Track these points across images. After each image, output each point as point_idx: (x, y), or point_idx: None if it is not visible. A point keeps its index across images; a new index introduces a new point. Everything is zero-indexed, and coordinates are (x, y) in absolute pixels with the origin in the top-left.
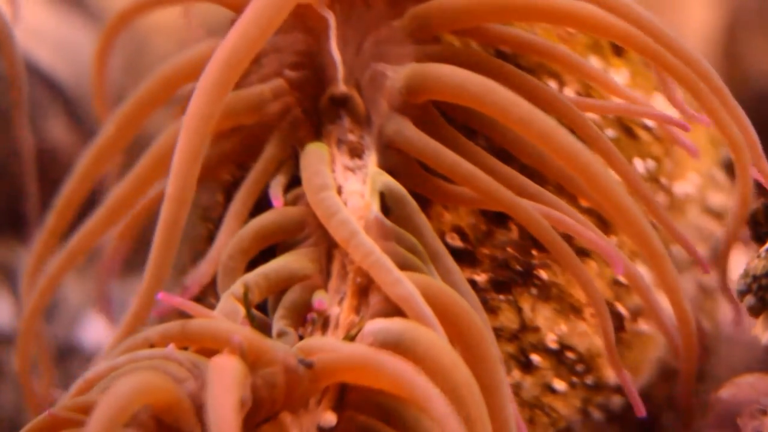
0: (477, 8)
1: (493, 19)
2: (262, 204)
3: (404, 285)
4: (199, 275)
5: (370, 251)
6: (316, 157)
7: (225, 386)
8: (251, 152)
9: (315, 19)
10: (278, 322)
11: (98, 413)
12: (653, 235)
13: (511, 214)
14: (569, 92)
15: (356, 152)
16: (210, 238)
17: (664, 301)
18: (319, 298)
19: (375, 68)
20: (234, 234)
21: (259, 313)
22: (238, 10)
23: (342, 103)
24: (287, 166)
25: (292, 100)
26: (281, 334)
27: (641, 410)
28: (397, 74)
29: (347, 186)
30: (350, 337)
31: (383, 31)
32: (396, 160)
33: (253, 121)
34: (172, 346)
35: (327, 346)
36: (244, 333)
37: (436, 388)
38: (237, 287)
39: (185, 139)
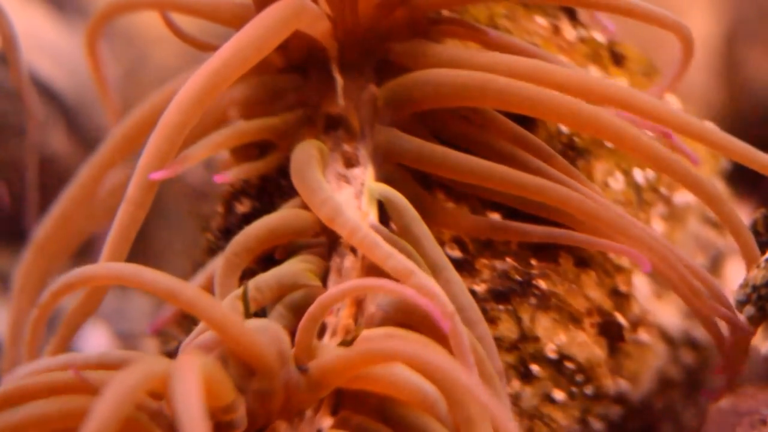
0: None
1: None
2: (265, 208)
3: (396, 258)
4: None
5: (357, 228)
6: (307, 157)
7: (188, 378)
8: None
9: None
10: (275, 322)
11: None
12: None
13: (530, 194)
14: None
15: (351, 162)
16: (209, 249)
17: (671, 305)
18: None
19: (371, 89)
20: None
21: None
22: (237, 26)
23: (338, 121)
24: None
25: (304, 98)
26: None
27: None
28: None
29: (342, 195)
30: (346, 344)
31: (380, 53)
32: (393, 176)
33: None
34: None
35: (322, 350)
36: (245, 341)
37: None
38: (251, 286)
39: (159, 132)
